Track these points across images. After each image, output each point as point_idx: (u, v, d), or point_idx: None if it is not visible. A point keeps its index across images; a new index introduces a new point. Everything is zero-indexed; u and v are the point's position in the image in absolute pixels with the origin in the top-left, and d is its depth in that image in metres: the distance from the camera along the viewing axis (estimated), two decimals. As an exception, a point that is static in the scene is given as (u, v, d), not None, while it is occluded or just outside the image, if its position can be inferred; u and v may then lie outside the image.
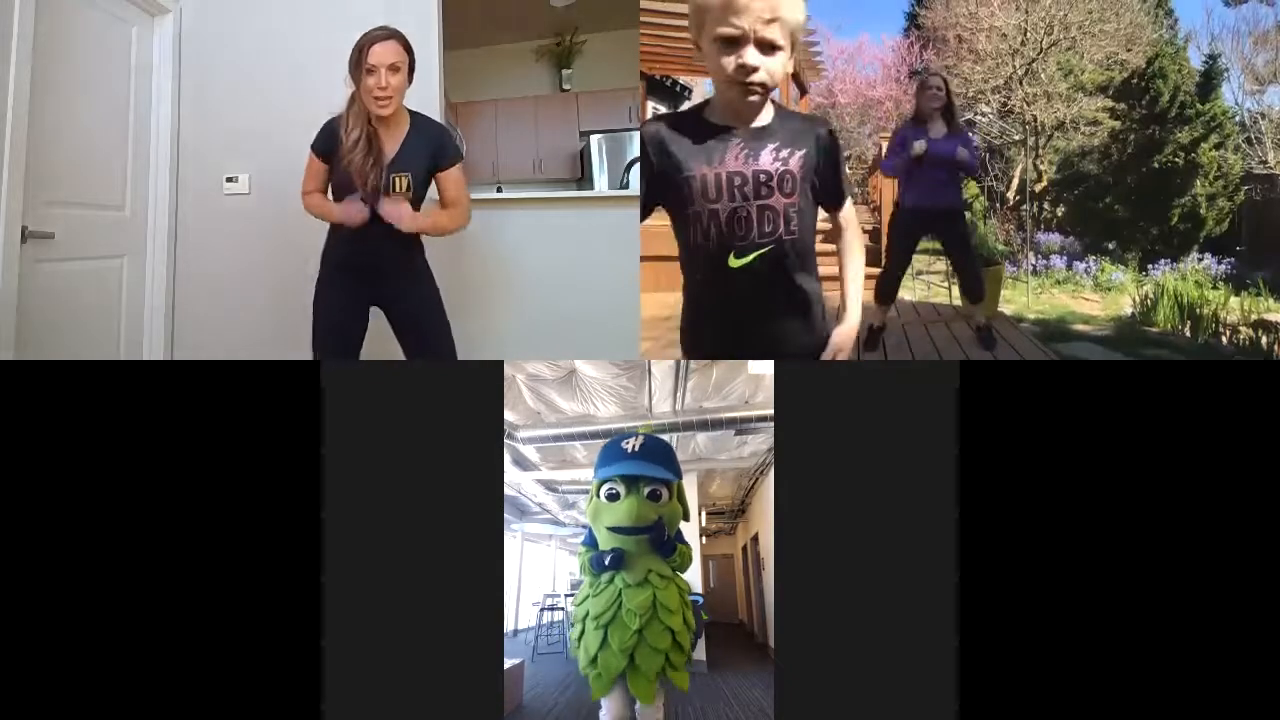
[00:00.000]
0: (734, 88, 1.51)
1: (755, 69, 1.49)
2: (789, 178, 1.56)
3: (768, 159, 1.55)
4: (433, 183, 2.59)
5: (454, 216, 2.61)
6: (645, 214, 1.70)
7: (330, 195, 2.54)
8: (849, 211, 1.71)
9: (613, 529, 1.86)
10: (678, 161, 1.56)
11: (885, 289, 4.06)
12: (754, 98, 1.53)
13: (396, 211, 2.42)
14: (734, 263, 1.56)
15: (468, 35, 5.10)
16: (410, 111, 2.55)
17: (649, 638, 1.83)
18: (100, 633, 1.58)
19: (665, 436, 3.70)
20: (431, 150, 2.53)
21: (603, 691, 1.85)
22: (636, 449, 1.90)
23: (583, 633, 1.90)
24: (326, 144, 2.51)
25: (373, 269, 2.49)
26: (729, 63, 1.49)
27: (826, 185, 1.63)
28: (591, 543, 1.96)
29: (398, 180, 2.46)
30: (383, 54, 2.40)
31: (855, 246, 1.75)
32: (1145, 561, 1.60)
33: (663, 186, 1.59)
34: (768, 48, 1.49)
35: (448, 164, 2.57)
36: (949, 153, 3.79)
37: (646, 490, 1.86)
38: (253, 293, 3.34)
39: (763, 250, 1.56)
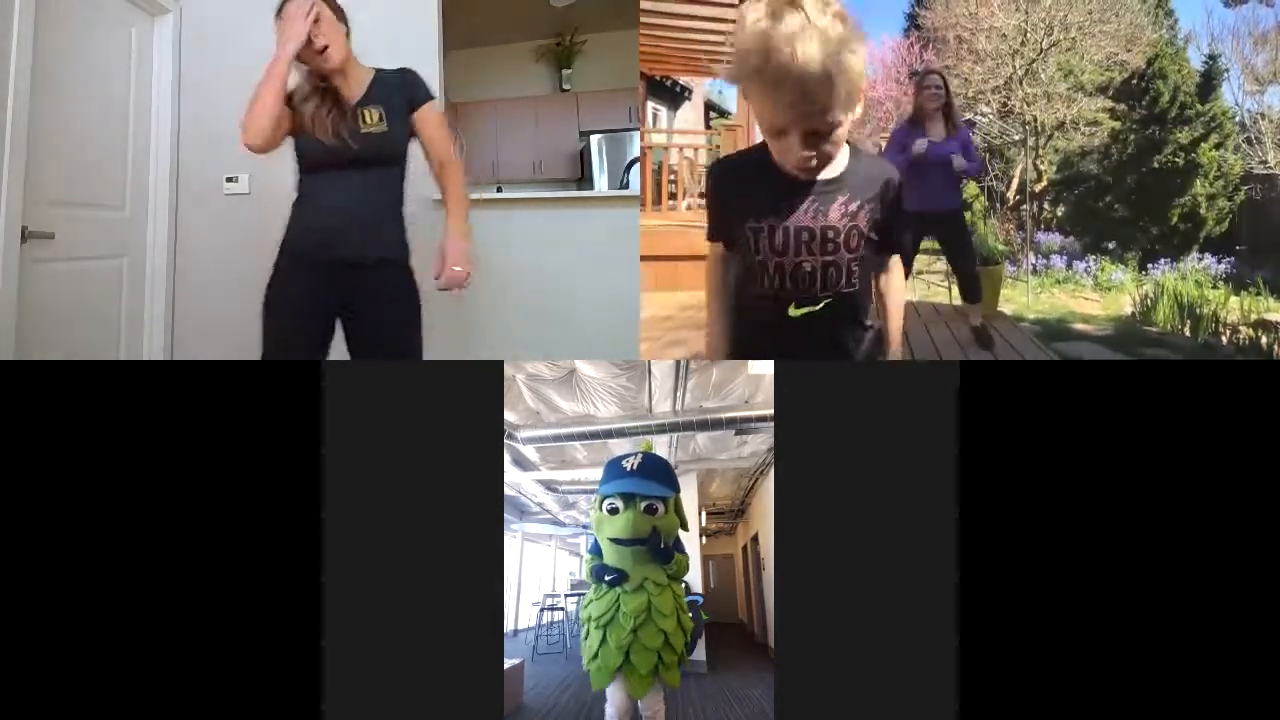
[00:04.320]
0: (787, 168, 1.44)
1: (811, 158, 1.40)
2: (855, 233, 1.50)
3: (836, 215, 1.49)
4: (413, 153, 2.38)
5: (454, 172, 2.36)
6: (715, 238, 1.65)
7: (299, 165, 2.28)
8: (897, 259, 1.68)
9: (613, 540, 2.00)
10: (747, 210, 1.50)
11: (967, 290, 4.03)
12: (814, 175, 1.46)
13: (461, 255, 2.28)
14: (794, 313, 1.52)
15: (468, 35, 5.11)
16: (373, 67, 2.35)
17: (643, 638, 1.97)
18: (100, 633, 1.58)
19: (665, 436, 3.72)
20: (405, 90, 2.31)
21: (602, 683, 2.00)
22: (635, 467, 2.03)
23: (588, 632, 2.06)
24: None
25: (341, 262, 2.19)
26: (782, 152, 1.42)
27: (885, 237, 1.56)
28: (596, 550, 2.12)
29: (367, 114, 2.23)
30: (296, 10, 2.18)
31: (897, 286, 1.71)
32: (1145, 561, 1.60)
33: (730, 228, 1.54)
34: (820, 136, 1.38)
35: (423, 99, 2.32)
36: (948, 154, 3.72)
37: (643, 505, 1.99)
38: (253, 293, 3.32)
39: (822, 304, 1.52)
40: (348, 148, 2.20)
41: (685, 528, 2.11)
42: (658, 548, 2.02)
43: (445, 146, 2.36)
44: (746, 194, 1.51)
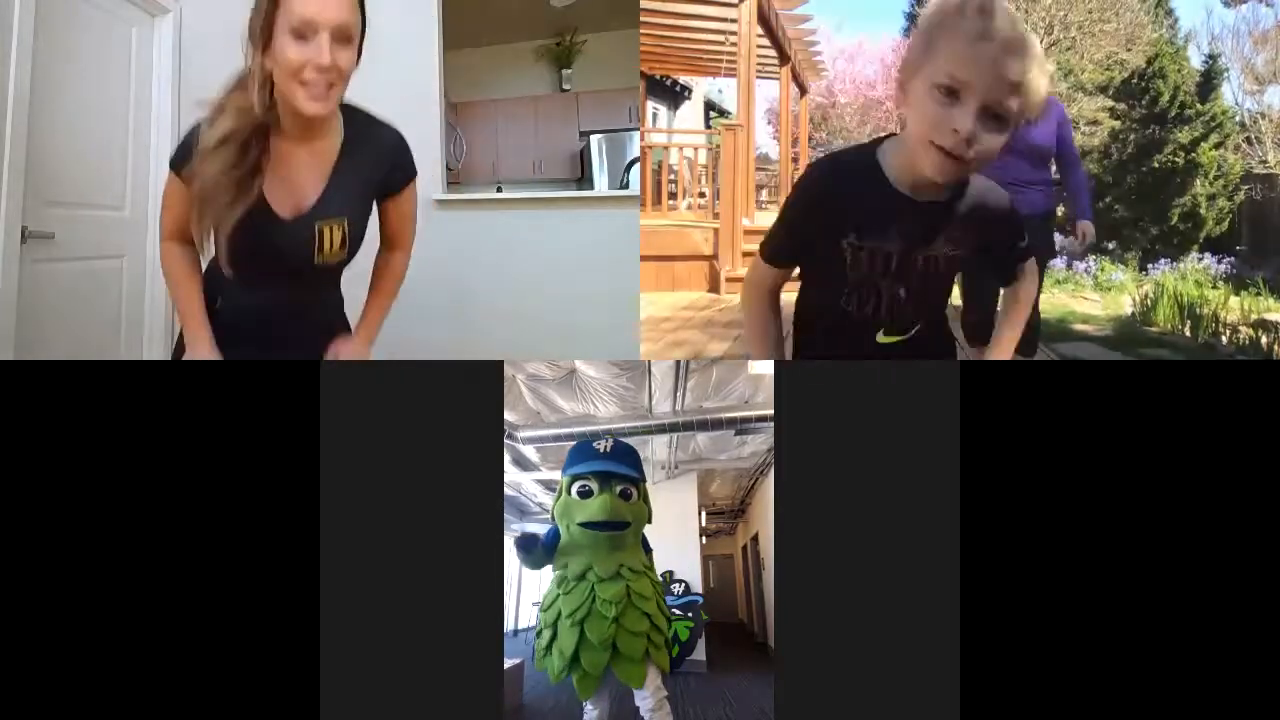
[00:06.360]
0: (933, 153, 1.17)
1: (971, 140, 1.14)
2: (955, 264, 1.34)
3: (942, 243, 1.31)
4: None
5: (403, 262, 1.82)
6: (781, 261, 1.41)
7: (212, 242, 1.62)
8: (1032, 264, 1.48)
9: (585, 524, 1.89)
10: (846, 223, 1.29)
11: (978, 327, 3.51)
12: (949, 176, 1.21)
13: (352, 350, 1.76)
14: (882, 339, 1.41)
15: (468, 35, 5.11)
16: (344, 108, 1.60)
17: (627, 624, 1.86)
18: (99, 632, 1.58)
19: (665, 436, 3.72)
20: (385, 168, 1.67)
21: (590, 691, 1.87)
22: (608, 449, 1.95)
23: (554, 636, 1.91)
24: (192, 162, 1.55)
25: (276, 336, 1.75)
26: (940, 119, 1.15)
27: (999, 264, 1.42)
28: (549, 545, 1.99)
29: (329, 231, 1.59)
30: (325, 6, 1.45)
31: (1025, 298, 1.54)
32: (1145, 562, 1.60)
33: (814, 241, 1.33)
34: (995, 120, 1.15)
35: (403, 185, 1.71)
36: (1042, 143, 3.04)
37: (618, 488, 1.91)
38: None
39: (913, 332, 1.41)
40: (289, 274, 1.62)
41: (650, 519, 2.01)
42: (641, 538, 1.95)
43: (402, 234, 1.79)
44: (854, 204, 1.28)
